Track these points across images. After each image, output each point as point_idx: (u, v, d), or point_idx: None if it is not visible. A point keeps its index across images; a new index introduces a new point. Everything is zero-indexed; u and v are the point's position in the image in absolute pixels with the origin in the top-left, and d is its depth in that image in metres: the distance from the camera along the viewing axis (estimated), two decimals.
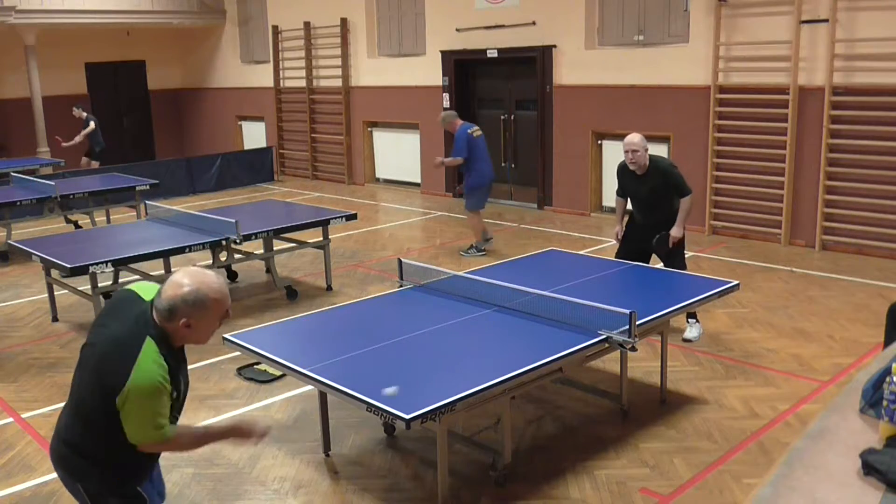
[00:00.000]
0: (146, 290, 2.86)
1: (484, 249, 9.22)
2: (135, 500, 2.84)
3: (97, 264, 6.29)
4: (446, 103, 12.85)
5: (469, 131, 8.92)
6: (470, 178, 9.06)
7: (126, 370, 2.59)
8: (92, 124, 14.05)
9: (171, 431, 2.72)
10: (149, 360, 2.60)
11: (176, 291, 2.65)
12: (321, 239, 8.05)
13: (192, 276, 2.69)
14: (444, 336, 4.44)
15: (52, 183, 10.23)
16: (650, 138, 10.41)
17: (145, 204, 9.17)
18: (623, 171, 6.35)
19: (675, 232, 6.12)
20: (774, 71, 9.28)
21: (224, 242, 7.09)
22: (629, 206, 6.47)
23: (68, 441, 2.79)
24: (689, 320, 6.31)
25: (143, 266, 7.27)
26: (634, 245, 6.30)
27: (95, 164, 14.11)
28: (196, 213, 7.94)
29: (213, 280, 2.72)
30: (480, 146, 8.98)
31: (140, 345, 2.62)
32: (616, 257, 6.33)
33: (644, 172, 6.14)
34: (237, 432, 2.95)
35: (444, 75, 12.84)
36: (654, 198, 6.17)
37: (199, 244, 6.91)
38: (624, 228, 6.50)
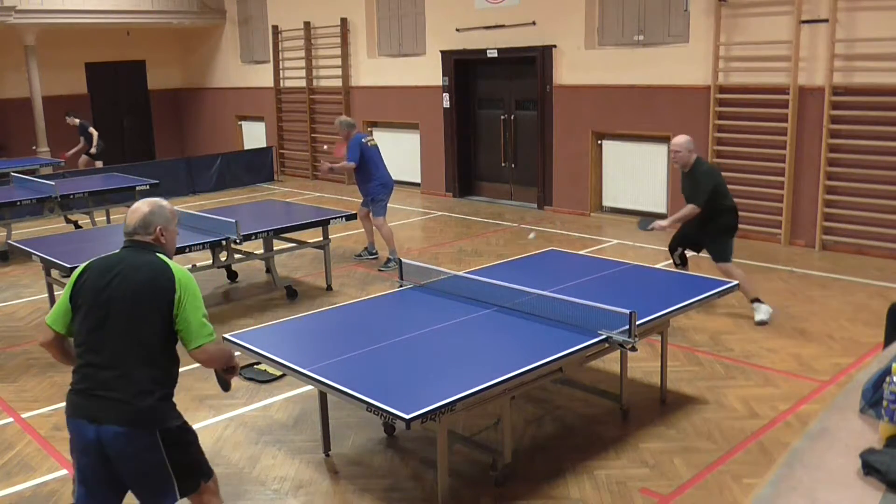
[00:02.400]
0: (102, 258, 3.28)
1: (395, 258, 8.49)
2: (188, 424, 3.24)
3: None
4: (446, 103, 12.87)
5: (364, 140, 8.80)
6: (371, 186, 8.71)
7: (169, 275, 3.12)
8: (92, 131, 14.00)
9: (216, 336, 3.21)
10: (174, 264, 3.19)
11: (141, 211, 3.26)
12: (321, 239, 8.05)
13: (143, 201, 3.32)
14: (444, 336, 4.44)
15: (52, 183, 10.24)
16: (650, 138, 10.53)
17: None
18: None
19: (658, 222, 6.76)
20: (774, 71, 9.28)
21: (224, 242, 7.09)
22: None
23: (146, 391, 3.03)
24: (754, 304, 6.64)
25: None
26: (687, 230, 6.84)
27: (99, 164, 14.09)
28: (196, 213, 7.94)
29: (161, 199, 3.40)
30: (376, 155, 8.83)
31: (160, 260, 3.18)
32: (672, 238, 7.02)
33: (689, 171, 6.60)
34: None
35: (444, 75, 12.85)
36: (691, 197, 6.59)
37: (199, 244, 6.90)
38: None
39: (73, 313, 3.15)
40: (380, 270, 8.65)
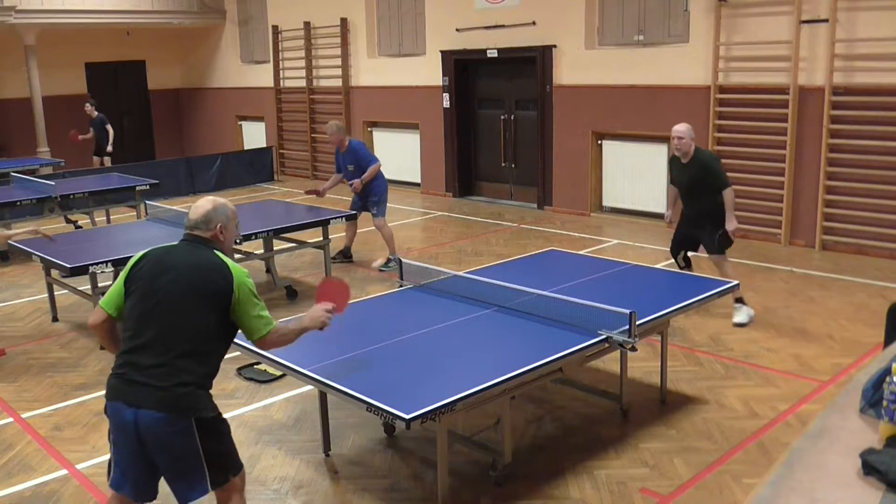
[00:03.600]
0: (162, 247, 3.35)
1: (396, 258, 8.59)
2: (222, 415, 3.26)
3: (97, 264, 6.29)
4: (446, 103, 12.86)
5: (359, 140, 8.68)
6: (374, 185, 8.59)
7: (227, 275, 3.19)
8: (109, 128, 14.01)
9: (276, 322, 3.33)
10: (230, 261, 3.26)
11: (204, 208, 3.33)
12: (321, 239, 8.04)
13: (208, 199, 3.41)
14: (444, 336, 4.44)
15: (52, 183, 10.24)
16: (650, 138, 10.53)
17: (145, 204, 9.17)
18: (672, 159, 6.83)
19: (728, 227, 6.50)
20: (774, 71, 9.28)
21: None
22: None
23: (185, 381, 3.08)
24: (736, 304, 6.58)
25: None
26: (684, 230, 6.82)
27: (108, 162, 14.11)
28: None
29: (223, 198, 3.47)
30: None
31: (217, 258, 3.25)
32: (671, 242, 6.95)
33: (688, 161, 6.53)
34: (314, 324, 3.55)
35: (444, 75, 12.85)
36: (693, 187, 6.54)
37: None
38: (676, 215, 7.08)
39: (125, 298, 3.23)
40: (380, 271, 8.64)
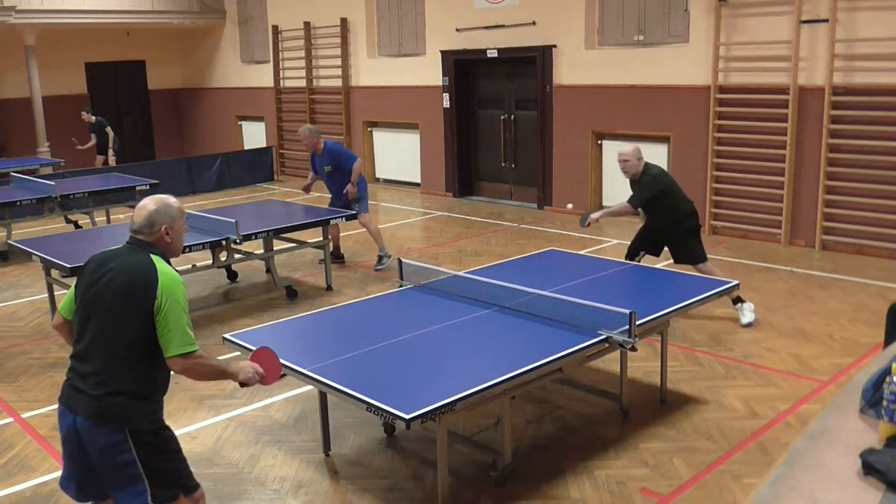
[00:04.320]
0: (105, 252, 3.26)
1: (390, 254, 8.74)
2: (168, 430, 3.20)
3: None
4: (446, 103, 12.86)
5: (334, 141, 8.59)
6: (359, 182, 8.53)
7: (153, 279, 3.04)
8: (109, 131, 14.04)
9: (199, 349, 3.09)
10: (164, 267, 3.11)
11: (147, 209, 3.20)
12: (321, 239, 8.05)
13: (151, 199, 3.26)
14: (444, 336, 4.44)
15: (52, 183, 10.24)
16: (650, 138, 10.53)
17: None
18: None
19: (594, 214, 6.60)
20: (774, 71, 9.28)
21: (224, 242, 7.09)
22: None
23: (116, 391, 3.02)
24: (737, 305, 6.57)
25: None
26: (643, 237, 6.78)
27: (112, 161, 14.14)
28: (196, 213, 7.93)
29: (169, 196, 3.32)
30: None
31: (150, 262, 3.10)
32: (630, 244, 6.87)
33: (638, 179, 6.55)
34: (242, 378, 3.29)
35: (444, 75, 12.84)
36: (647, 205, 6.57)
37: (199, 244, 6.89)
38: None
39: (75, 303, 3.25)
40: (376, 270, 8.62)
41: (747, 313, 6.57)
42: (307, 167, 15.56)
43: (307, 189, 9.08)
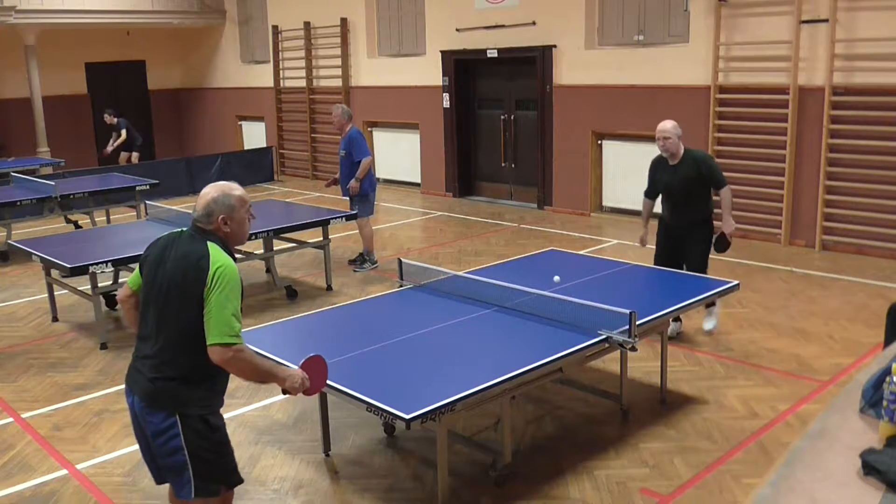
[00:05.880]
0: (171, 234, 3.27)
1: (376, 262, 8.69)
2: (219, 420, 3.19)
3: (97, 264, 6.29)
4: (446, 103, 12.86)
5: (359, 130, 8.44)
6: (364, 182, 8.31)
7: (204, 267, 3.01)
8: (123, 133, 14.21)
9: (244, 343, 3.04)
10: (219, 255, 3.07)
11: (207, 198, 3.21)
12: (321, 239, 8.04)
13: (213, 186, 3.28)
14: (444, 336, 4.44)
15: (52, 183, 10.23)
16: (650, 138, 10.47)
17: (145, 204, 9.17)
18: (657, 164, 6.27)
19: (726, 228, 6.07)
20: (774, 71, 9.28)
21: None
22: (657, 207, 6.41)
23: (170, 376, 3.05)
24: (708, 308, 6.32)
25: None
26: (669, 250, 6.21)
27: (136, 159, 14.32)
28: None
29: (233, 183, 3.34)
30: None
31: (205, 250, 3.07)
32: (654, 265, 6.17)
33: (678, 162, 6.02)
34: (289, 385, 3.21)
35: (444, 75, 12.84)
36: (687, 189, 5.99)
37: None
38: (649, 232, 6.45)
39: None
40: (354, 271, 8.53)
41: (713, 319, 6.37)
42: (307, 167, 15.71)
43: (330, 184, 8.92)
